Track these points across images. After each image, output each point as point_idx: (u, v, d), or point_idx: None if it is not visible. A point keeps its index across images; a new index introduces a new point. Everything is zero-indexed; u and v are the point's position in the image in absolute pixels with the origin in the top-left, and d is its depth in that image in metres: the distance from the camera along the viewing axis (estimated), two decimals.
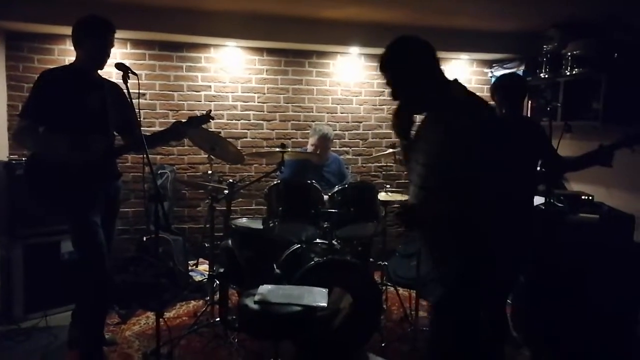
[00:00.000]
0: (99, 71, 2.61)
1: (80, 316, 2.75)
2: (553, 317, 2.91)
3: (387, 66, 1.84)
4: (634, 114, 3.33)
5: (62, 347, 2.85)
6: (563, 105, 3.65)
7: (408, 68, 1.81)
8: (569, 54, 3.64)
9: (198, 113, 4.10)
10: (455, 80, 1.88)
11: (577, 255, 2.88)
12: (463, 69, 4.75)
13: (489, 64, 4.77)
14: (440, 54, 5.16)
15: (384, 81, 1.91)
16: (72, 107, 2.45)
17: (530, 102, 4.12)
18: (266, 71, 4.40)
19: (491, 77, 4.76)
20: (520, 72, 4.32)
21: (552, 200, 3.07)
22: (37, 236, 3.19)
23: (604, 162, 2.23)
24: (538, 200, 2.87)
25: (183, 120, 2.67)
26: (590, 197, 3.12)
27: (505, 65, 4.56)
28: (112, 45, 2.56)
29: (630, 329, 2.95)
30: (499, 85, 2.69)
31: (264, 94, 4.42)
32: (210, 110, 2.73)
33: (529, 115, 4.10)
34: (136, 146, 2.73)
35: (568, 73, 3.65)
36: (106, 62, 2.56)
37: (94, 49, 2.49)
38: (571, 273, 2.87)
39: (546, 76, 3.92)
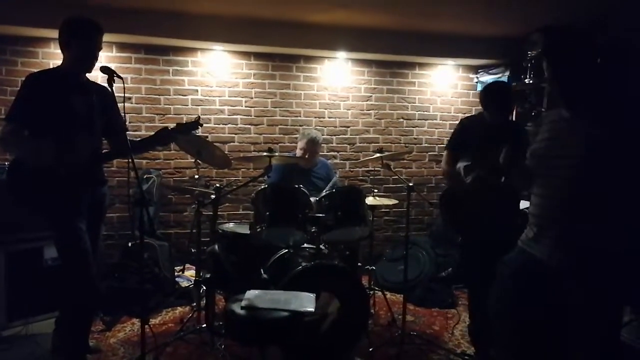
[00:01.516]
0: (87, 74, 2.58)
1: (64, 323, 2.70)
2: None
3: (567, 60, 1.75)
4: None
5: (46, 355, 2.79)
6: (547, 110, 3.70)
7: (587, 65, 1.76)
8: None
9: (185, 117, 4.13)
10: None
11: None
12: (449, 75, 4.80)
13: (475, 69, 4.82)
14: (427, 60, 5.25)
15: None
16: (58, 111, 2.42)
17: (515, 107, 4.17)
18: (253, 75, 4.40)
19: (477, 82, 4.82)
20: (505, 78, 4.38)
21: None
22: (19, 242, 3.12)
23: None
24: (523, 204, 2.90)
25: (171, 126, 2.65)
26: None
27: (490, 71, 4.62)
28: (100, 48, 2.52)
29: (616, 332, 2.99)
30: (493, 92, 2.77)
31: (252, 98, 4.41)
32: (199, 117, 2.71)
33: (514, 120, 4.15)
34: (122, 151, 2.70)
35: None
36: (94, 64, 2.52)
37: (81, 51, 2.46)
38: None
39: (531, 81, 3.98)
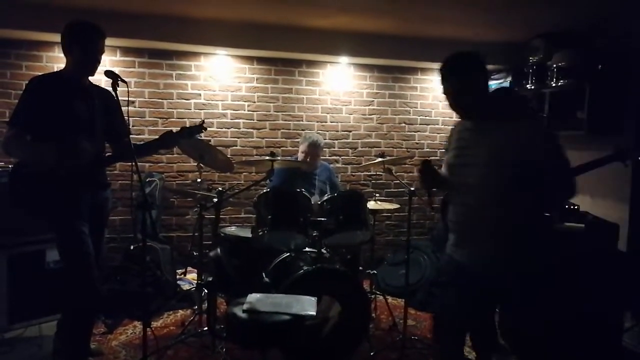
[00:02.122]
0: (90, 78, 2.59)
1: (65, 326, 2.70)
2: (540, 325, 2.93)
3: (454, 74, 1.94)
4: (617, 123, 3.40)
5: (47, 357, 2.80)
6: (549, 115, 3.71)
7: (472, 78, 1.95)
8: (554, 65, 3.71)
9: (188, 121, 4.15)
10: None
11: (563, 263, 2.91)
12: None
13: None
14: (428, 64, 5.27)
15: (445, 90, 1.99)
16: (60, 115, 2.43)
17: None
18: (256, 80, 4.42)
19: None
20: (507, 83, 4.39)
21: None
22: (21, 245, 3.13)
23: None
24: None
25: (175, 129, 2.66)
26: (575, 207, 3.16)
27: (492, 76, 4.62)
28: (102, 52, 2.53)
29: (616, 336, 2.99)
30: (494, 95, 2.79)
31: (254, 102, 4.43)
32: (203, 121, 2.73)
33: None
34: (126, 155, 2.71)
35: (553, 84, 3.71)
36: (96, 68, 2.53)
37: (84, 55, 2.46)
38: (557, 281, 2.90)
39: (532, 87, 3.98)
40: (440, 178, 2.10)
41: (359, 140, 4.74)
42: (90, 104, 2.54)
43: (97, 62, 2.52)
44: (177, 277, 3.91)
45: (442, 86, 1.99)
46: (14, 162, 2.58)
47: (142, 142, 2.77)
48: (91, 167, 2.50)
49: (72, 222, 2.46)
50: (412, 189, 3.03)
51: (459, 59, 1.97)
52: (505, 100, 2.06)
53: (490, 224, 1.93)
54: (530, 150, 1.85)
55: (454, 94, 1.95)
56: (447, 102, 2.02)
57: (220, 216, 3.28)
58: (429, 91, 4.85)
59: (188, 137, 2.69)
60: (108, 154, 2.74)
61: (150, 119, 4.19)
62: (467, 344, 3.17)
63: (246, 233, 3.16)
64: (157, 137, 2.71)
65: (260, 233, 2.89)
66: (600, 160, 2.07)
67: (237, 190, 3.83)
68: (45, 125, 2.41)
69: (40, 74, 2.64)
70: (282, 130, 4.53)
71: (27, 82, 2.46)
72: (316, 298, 2.37)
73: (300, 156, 3.75)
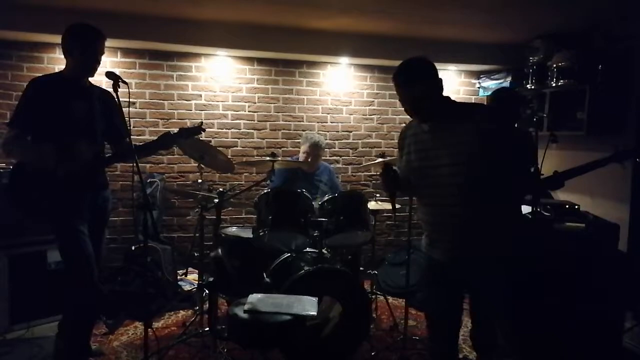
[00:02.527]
0: (90, 79, 2.60)
1: (66, 327, 2.71)
2: (540, 326, 2.93)
3: (418, 79, 2.00)
4: (617, 123, 3.41)
5: (48, 358, 2.80)
6: (549, 115, 3.71)
7: (434, 81, 2.03)
8: (555, 65, 3.71)
9: (188, 122, 4.15)
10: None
11: (564, 263, 2.92)
12: (451, 80, 4.82)
13: (477, 75, 4.84)
14: None
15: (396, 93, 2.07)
16: (59, 115, 2.44)
17: (520, 111, 4.18)
18: (257, 80, 4.42)
19: (479, 87, 4.83)
20: (507, 83, 4.39)
21: (538, 209, 3.11)
22: (22, 246, 3.15)
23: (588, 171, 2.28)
24: (525, 209, 2.91)
25: (175, 130, 2.67)
26: (576, 206, 3.16)
27: (492, 77, 4.63)
28: (102, 53, 2.54)
29: (617, 336, 2.99)
30: (496, 98, 2.81)
31: (255, 103, 4.43)
32: (202, 122, 2.73)
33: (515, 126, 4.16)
34: (125, 155, 2.72)
35: (554, 84, 3.72)
36: (96, 69, 2.54)
37: (84, 56, 2.47)
38: (558, 282, 2.91)
39: (532, 87, 3.99)
40: (401, 181, 2.15)
41: (360, 141, 4.74)
42: (90, 105, 2.54)
43: (97, 63, 2.53)
44: (178, 277, 3.92)
45: (401, 93, 2.03)
46: (14, 162, 2.58)
47: (141, 143, 2.76)
48: (90, 167, 2.50)
49: (72, 222, 2.47)
50: None
51: (419, 66, 2.03)
52: (454, 102, 2.11)
53: (462, 220, 1.98)
54: (489, 146, 1.91)
55: (416, 99, 1.98)
56: (403, 107, 2.06)
57: (221, 217, 3.28)
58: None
59: (186, 138, 2.69)
60: (108, 154, 2.74)
61: (151, 119, 4.20)
62: (468, 343, 3.18)
63: (247, 233, 3.17)
64: (156, 137, 2.72)
65: (261, 233, 2.90)
66: (597, 162, 2.08)
67: (237, 191, 3.83)
68: (45, 126, 2.42)
69: (41, 74, 2.65)
70: (282, 131, 4.53)
71: (27, 83, 2.47)
72: (317, 298, 2.38)
73: (301, 156, 3.76)
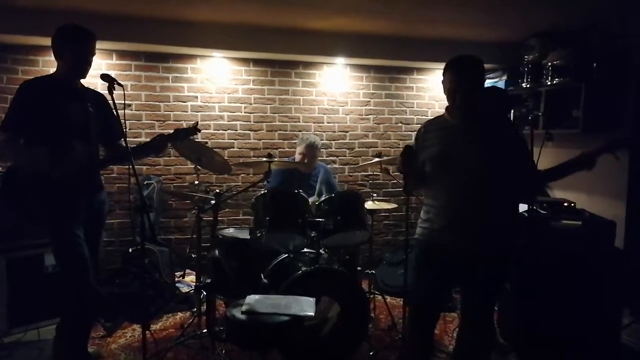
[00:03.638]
0: (83, 81, 2.58)
1: (64, 330, 2.70)
2: (539, 323, 2.94)
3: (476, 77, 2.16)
4: (612, 121, 3.42)
5: None
6: (544, 114, 3.72)
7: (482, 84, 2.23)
8: (550, 64, 3.72)
9: (184, 123, 4.15)
10: None
11: (561, 261, 2.93)
12: None
13: None
14: (425, 64, 5.27)
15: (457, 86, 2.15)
16: (52, 118, 2.42)
17: (512, 111, 4.19)
18: (253, 81, 4.42)
19: None
20: (503, 82, 4.40)
21: (535, 207, 3.12)
22: (20, 249, 3.13)
23: (584, 168, 2.28)
24: (522, 207, 2.92)
25: (170, 131, 2.66)
26: (572, 204, 3.17)
27: (488, 76, 4.64)
28: (93, 54, 2.51)
29: (615, 333, 3.00)
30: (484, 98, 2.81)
31: (251, 104, 4.43)
32: (197, 123, 2.72)
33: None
34: (119, 158, 2.71)
35: (549, 82, 3.73)
36: (88, 71, 2.52)
37: (75, 58, 2.45)
38: (555, 279, 2.91)
39: (528, 86, 4.00)
40: (417, 166, 2.23)
41: (356, 141, 4.75)
42: (83, 106, 2.52)
43: (89, 64, 2.51)
44: (176, 279, 3.91)
45: (455, 80, 2.12)
46: (7, 166, 2.56)
47: (134, 146, 2.74)
48: (85, 170, 2.49)
49: (67, 225, 2.45)
50: None
51: (477, 61, 2.16)
52: (491, 103, 2.26)
53: (476, 210, 2.10)
54: (511, 150, 2.12)
55: (466, 91, 2.10)
56: (453, 97, 2.14)
57: (218, 218, 3.28)
58: (425, 91, 4.86)
59: (181, 139, 2.69)
60: (102, 156, 2.73)
61: (146, 121, 4.19)
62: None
63: (244, 235, 3.16)
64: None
65: (258, 234, 2.90)
66: (592, 153, 2.10)
67: (234, 192, 3.83)
68: (38, 128, 2.40)
69: (32, 77, 2.63)
70: (279, 132, 4.54)
71: (18, 86, 2.45)
72: (315, 299, 2.38)
73: (297, 157, 3.76)
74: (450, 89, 2.14)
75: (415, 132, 2.35)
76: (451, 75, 2.14)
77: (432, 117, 2.36)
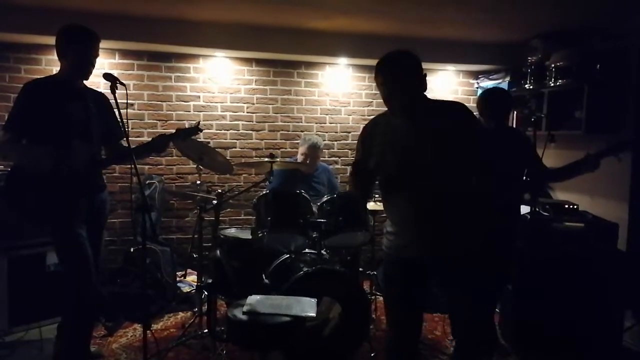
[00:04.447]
0: (86, 81, 2.59)
1: (66, 329, 2.70)
2: (541, 325, 2.94)
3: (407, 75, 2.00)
4: (615, 122, 3.41)
5: None
6: (547, 115, 3.71)
7: (420, 78, 2.03)
8: (553, 65, 3.71)
9: (187, 123, 4.15)
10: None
11: (563, 263, 2.92)
12: (449, 80, 4.82)
13: (475, 75, 4.84)
14: (428, 65, 5.25)
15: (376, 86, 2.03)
16: (55, 118, 2.42)
17: (515, 112, 4.18)
18: (255, 81, 4.42)
19: (477, 87, 4.83)
20: (506, 83, 4.39)
21: (537, 209, 3.11)
22: (21, 248, 3.14)
23: (590, 170, 2.29)
24: (524, 209, 2.91)
25: (172, 131, 2.66)
26: (574, 206, 3.16)
27: (491, 77, 4.63)
28: (96, 55, 2.52)
29: (617, 335, 2.99)
30: (487, 99, 2.80)
31: (253, 104, 4.43)
32: (199, 122, 2.72)
33: (514, 125, 4.16)
34: (121, 157, 2.71)
35: (552, 84, 3.72)
36: (91, 72, 2.52)
37: (77, 59, 2.45)
38: (557, 281, 2.91)
39: (531, 87, 3.98)
40: (367, 174, 2.11)
41: None
42: (85, 107, 2.53)
43: (92, 65, 2.51)
44: (177, 279, 3.91)
45: (389, 78, 2.01)
46: (11, 166, 2.57)
47: (135, 146, 2.74)
48: (88, 169, 2.49)
49: (69, 225, 2.46)
50: None
51: (413, 56, 2.04)
52: (433, 100, 2.10)
53: (442, 216, 1.96)
54: (466, 142, 1.96)
55: (401, 94, 1.97)
56: (387, 93, 2.03)
57: (220, 218, 3.28)
58: (428, 92, 4.81)
59: (182, 139, 2.69)
60: (104, 156, 2.74)
61: (149, 121, 4.19)
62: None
63: (246, 235, 3.16)
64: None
65: (260, 235, 2.90)
66: (595, 155, 2.10)
67: (236, 192, 3.83)
68: (41, 129, 2.41)
69: (37, 77, 2.63)
70: (281, 132, 4.53)
71: (22, 86, 2.45)
72: (316, 299, 2.38)
73: (299, 158, 3.76)
74: (384, 94, 2.03)
75: (358, 137, 2.22)
76: (380, 78, 2.03)
77: (374, 117, 2.24)
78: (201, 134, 2.77)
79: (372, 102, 4.72)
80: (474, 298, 2.11)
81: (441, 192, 1.94)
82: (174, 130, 2.70)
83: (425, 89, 2.03)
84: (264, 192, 3.06)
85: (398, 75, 1.98)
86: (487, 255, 2.10)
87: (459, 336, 2.33)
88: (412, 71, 2.01)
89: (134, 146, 2.65)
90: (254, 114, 4.44)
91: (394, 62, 2.03)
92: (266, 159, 3.05)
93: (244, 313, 2.20)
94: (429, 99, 2.08)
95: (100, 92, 2.66)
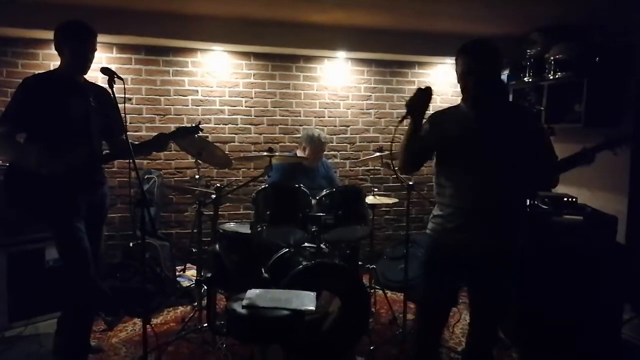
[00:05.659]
0: (85, 76, 2.58)
1: (65, 324, 2.71)
2: (540, 318, 2.94)
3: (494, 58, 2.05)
4: (614, 116, 3.40)
5: (48, 355, 2.80)
6: (547, 108, 3.71)
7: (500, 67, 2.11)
8: (552, 58, 3.70)
9: (185, 117, 4.14)
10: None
11: (562, 256, 2.92)
12: (449, 73, 4.79)
13: None
14: (426, 59, 5.25)
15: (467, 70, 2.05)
16: (54, 113, 2.42)
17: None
18: (253, 75, 4.40)
19: None
20: (505, 76, 4.38)
21: (536, 202, 3.11)
22: (20, 243, 3.14)
23: (585, 163, 2.29)
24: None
25: (173, 127, 2.66)
26: (573, 199, 3.16)
27: None
28: (94, 50, 2.51)
29: (616, 328, 3.00)
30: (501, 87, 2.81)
31: (252, 98, 4.42)
32: (200, 122, 2.72)
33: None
34: (121, 153, 2.70)
35: (551, 77, 3.71)
36: (89, 67, 2.52)
37: (75, 54, 2.45)
38: (556, 275, 2.91)
39: (530, 80, 3.97)
40: (423, 144, 2.13)
41: (357, 135, 4.73)
42: (85, 102, 2.52)
43: (89, 61, 2.50)
44: (177, 273, 3.92)
45: (468, 63, 2.02)
46: (9, 160, 2.56)
47: (137, 142, 2.73)
48: (87, 165, 2.49)
49: (69, 220, 2.45)
50: (410, 183, 3.03)
51: (493, 45, 2.07)
52: (506, 93, 2.17)
53: (493, 206, 2.02)
54: (528, 139, 2.02)
55: (481, 74, 2.00)
56: (466, 81, 2.04)
57: (219, 212, 3.28)
58: (427, 85, 4.83)
59: (181, 138, 2.69)
60: (105, 151, 2.73)
61: (147, 115, 4.18)
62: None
63: (245, 229, 3.16)
64: (154, 134, 2.70)
65: (259, 229, 2.90)
66: (592, 149, 2.09)
67: (235, 187, 3.82)
68: (41, 124, 2.40)
69: (35, 72, 2.62)
70: (279, 126, 4.52)
71: (21, 80, 2.44)
72: (315, 293, 2.38)
73: (305, 152, 3.73)
74: (464, 71, 2.04)
75: (426, 118, 2.22)
76: (465, 57, 2.04)
77: (445, 108, 2.28)
78: (199, 132, 2.76)
79: (371, 95, 4.71)
80: (496, 298, 2.14)
81: (498, 185, 2.00)
82: (174, 129, 2.70)
83: (502, 85, 2.12)
84: (262, 186, 3.05)
85: (486, 61, 2.03)
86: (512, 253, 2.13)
87: (472, 339, 2.32)
88: (496, 64, 2.08)
89: (132, 141, 2.64)
90: (252, 108, 4.43)
91: (488, 49, 2.08)
92: (265, 153, 3.04)
93: (243, 307, 2.20)
94: (507, 97, 2.17)
95: (102, 87, 2.64)
